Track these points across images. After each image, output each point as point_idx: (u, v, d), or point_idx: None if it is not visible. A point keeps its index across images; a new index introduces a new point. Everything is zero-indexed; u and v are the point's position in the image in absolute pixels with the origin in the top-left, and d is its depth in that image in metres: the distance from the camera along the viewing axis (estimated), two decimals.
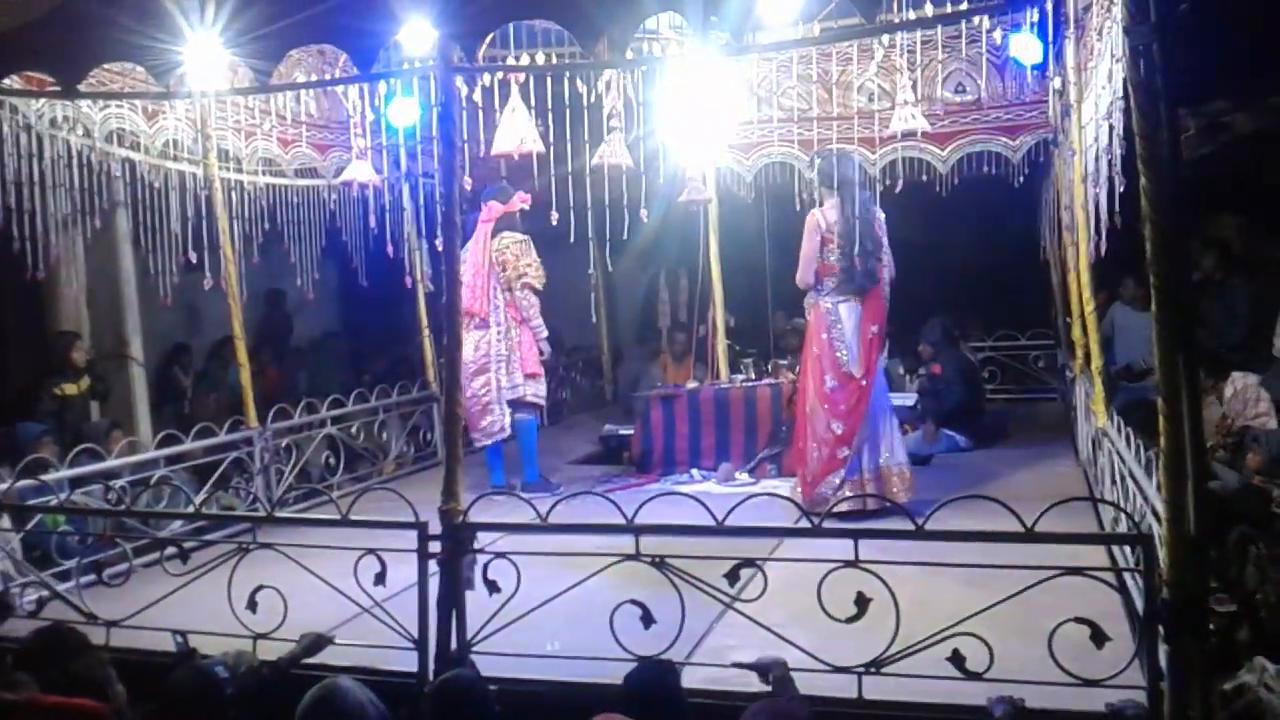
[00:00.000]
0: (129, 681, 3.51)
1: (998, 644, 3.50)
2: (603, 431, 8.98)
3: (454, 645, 4.04)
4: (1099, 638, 3.43)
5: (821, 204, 6.33)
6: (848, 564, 3.71)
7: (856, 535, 3.75)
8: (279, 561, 4.40)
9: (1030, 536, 3.53)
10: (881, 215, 6.34)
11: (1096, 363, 6.32)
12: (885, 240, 6.33)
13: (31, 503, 5.21)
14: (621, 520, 3.97)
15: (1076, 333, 7.24)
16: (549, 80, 5.88)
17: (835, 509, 5.61)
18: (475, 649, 4.05)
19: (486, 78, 5.81)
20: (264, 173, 7.31)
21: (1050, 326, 10.33)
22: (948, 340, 9.01)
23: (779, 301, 10.43)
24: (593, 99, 6.22)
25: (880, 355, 6.37)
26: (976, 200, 8.73)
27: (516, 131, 6.24)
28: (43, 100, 5.63)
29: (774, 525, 4.40)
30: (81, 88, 4.84)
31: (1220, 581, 4.60)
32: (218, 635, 4.17)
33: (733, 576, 3.83)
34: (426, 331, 8.65)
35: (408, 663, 4.04)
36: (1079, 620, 3.46)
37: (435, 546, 4.11)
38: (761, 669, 3.60)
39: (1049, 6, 5.71)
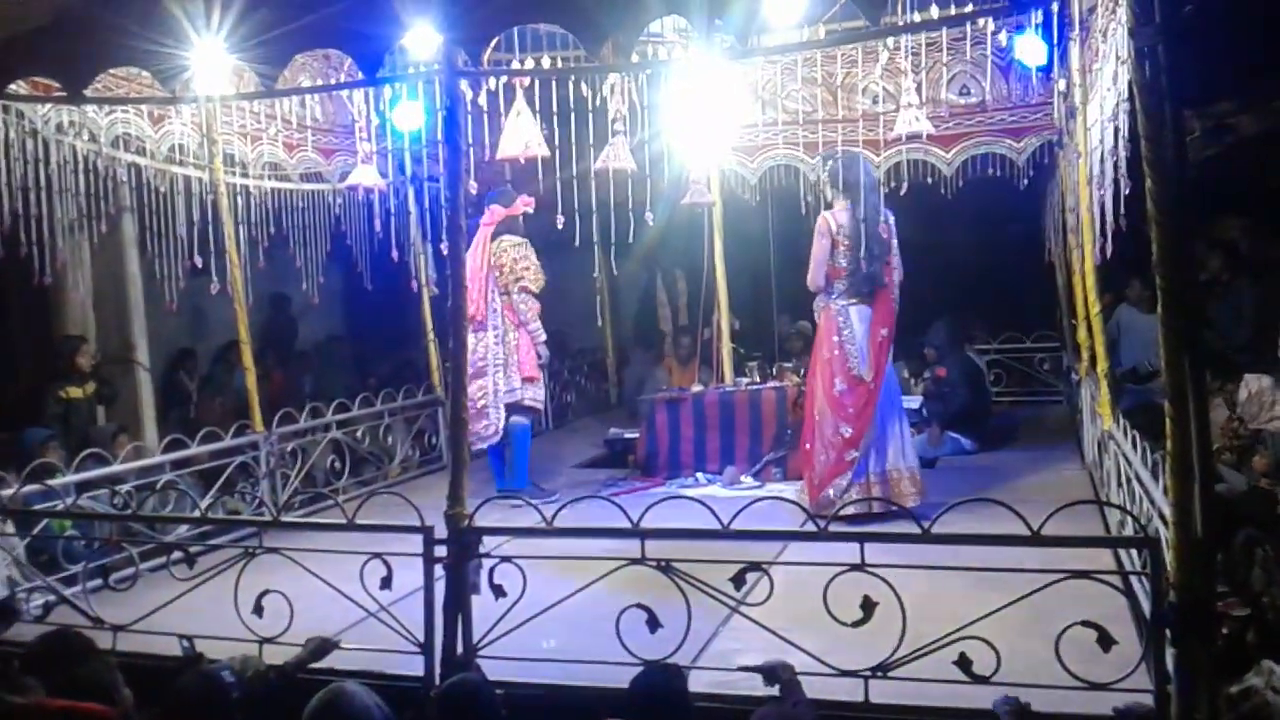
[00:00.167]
0: (135, 686, 3.51)
1: (1005, 647, 3.50)
2: (607, 435, 8.98)
3: (460, 649, 4.04)
4: (1106, 641, 3.43)
5: (831, 206, 6.32)
6: (854, 567, 3.70)
7: (863, 539, 3.75)
8: (285, 566, 4.40)
9: (1037, 540, 3.52)
10: (891, 218, 6.33)
11: (1102, 365, 6.31)
12: (895, 243, 6.32)
13: (38, 507, 5.21)
14: (627, 524, 3.97)
15: (1082, 335, 7.22)
16: (554, 84, 5.88)
17: (841, 512, 5.61)
18: (481, 653, 4.05)
19: (491, 81, 5.81)
20: (269, 177, 7.32)
21: (1055, 329, 10.31)
22: (953, 343, 8.99)
23: (784, 305, 10.41)
24: (597, 102, 6.22)
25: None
26: (981, 202, 8.72)
27: (521, 135, 6.24)
28: (49, 105, 5.64)
29: (780, 529, 4.40)
30: (87, 93, 4.87)
31: (1231, 585, 4.58)
32: (224, 640, 4.17)
33: (738, 580, 3.82)
34: (431, 335, 8.66)
35: (414, 667, 4.04)
36: (1086, 624, 3.46)
37: (441, 551, 4.11)
38: (768, 673, 3.59)
39: (1054, 8, 5.70)
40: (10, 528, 5.12)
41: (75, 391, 7.92)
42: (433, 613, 4.06)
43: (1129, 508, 4.41)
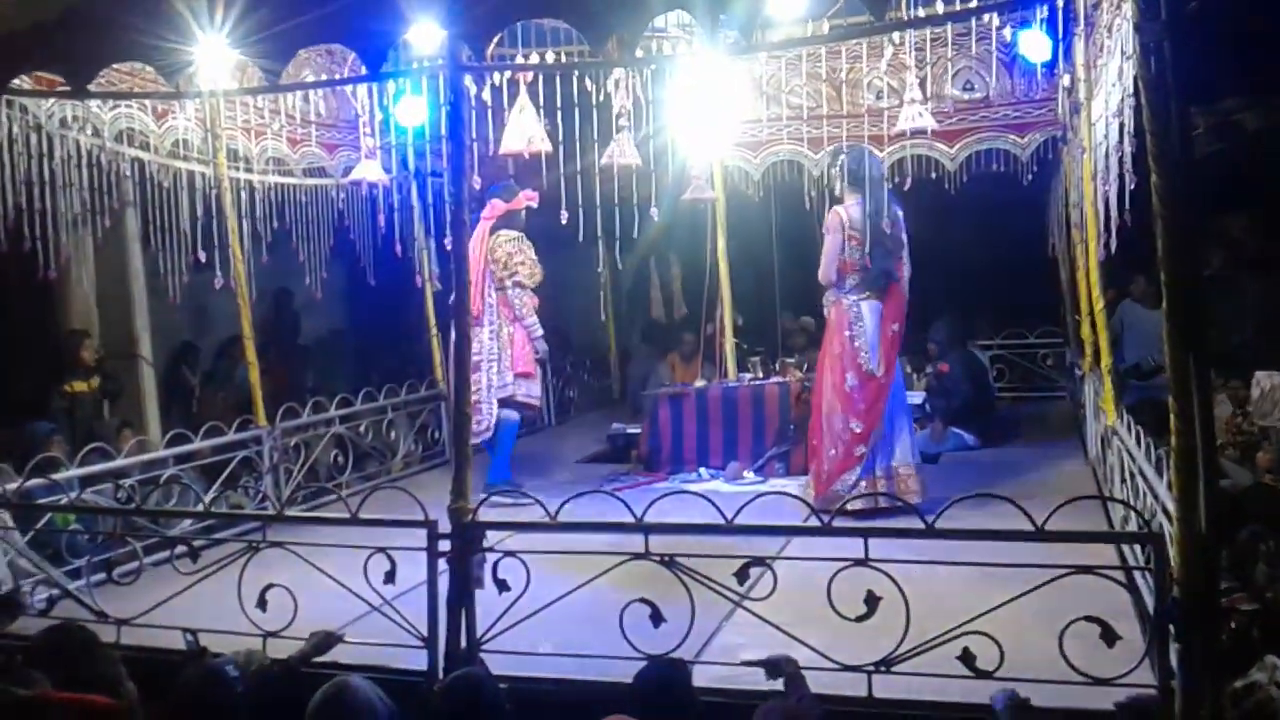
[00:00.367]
0: (139, 680, 3.51)
1: (1008, 642, 3.50)
2: (610, 430, 8.98)
3: (464, 643, 4.04)
4: (1109, 636, 3.42)
5: (842, 200, 6.31)
6: (857, 562, 3.71)
7: (866, 534, 3.75)
8: (289, 560, 4.41)
9: (1041, 535, 3.53)
10: (900, 213, 6.33)
11: (1106, 361, 6.31)
12: (904, 238, 6.32)
13: (42, 501, 5.22)
14: (631, 519, 3.97)
15: (1086, 331, 7.22)
16: (557, 79, 5.88)
17: (848, 507, 5.61)
18: (485, 647, 4.05)
19: (495, 76, 5.81)
20: (273, 172, 7.32)
21: (1059, 324, 10.31)
22: (955, 338, 9.00)
23: (786, 300, 10.41)
24: (601, 98, 6.21)
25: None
26: (984, 198, 8.71)
27: (524, 131, 6.24)
28: (53, 100, 5.64)
29: (784, 524, 4.40)
30: (91, 88, 4.85)
31: (1238, 580, 4.58)
32: (228, 634, 4.18)
33: (742, 575, 3.83)
34: (434, 330, 8.66)
35: (418, 661, 4.05)
36: (1089, 619, 3.46)
37: (445, 545, 4.11)
38: (771, 667, 3.59)
39: (1058, 3, 5.69)
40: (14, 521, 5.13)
41: (79, 386, 7.94)
42: (436, 607, 4.06)
43: (1132, 503, 4.41)
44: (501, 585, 4.03)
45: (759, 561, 3.85)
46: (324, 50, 6.69)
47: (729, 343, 8.76)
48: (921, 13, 5.43)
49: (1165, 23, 3.18)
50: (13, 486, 5.10)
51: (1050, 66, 6.96)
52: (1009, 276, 10.76)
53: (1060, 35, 6.36)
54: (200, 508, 5.02)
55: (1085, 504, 4.56)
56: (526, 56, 6.47)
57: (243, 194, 6.93)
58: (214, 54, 4.54)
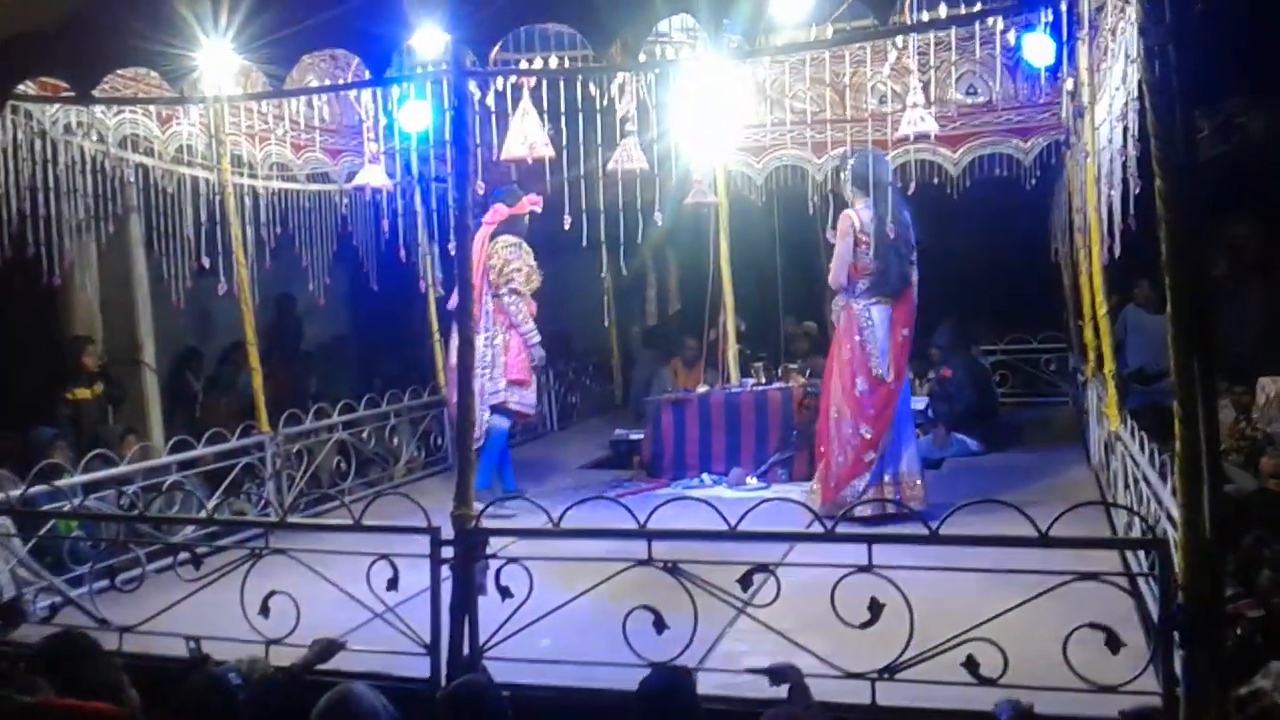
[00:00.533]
0: (142, 687, 3.51)
1: (1012, 649, 3.49)
2: (613, 436, 8.97)
3: (467, 651, 4.03)
4: (1114, 643, 3.41)
5: (852, 204, 6.29)
6: (861, 569, 3.69)
7: (870, 540, 3.74)
8: (291, 567, 4.40)
9: (1045, 541, 3.51)
10: (908, 217, 6.32)
11: (1109, 366, 6.30)
12: (913, 242, 6.31)
13: (45, 508, 5.22)
14: (634, 525, 3.96)
15: (1089, 335, 7.21)
16: (561, 84, 5.87)
17: (856, 513, 5.60)
18: (488, 654, 4.05)
19: (499, 81, 5.81)
20: (276, 177, 7.32)
21: (1062, 329, 10.30)
22: (958, 343, 8.98)
23: (789, 305, 10.41)
24: (605, 102, 6.21)
25: None
26: (987, 203, 8.70)
27: (526, 136, 6.23)
28: (57, 106, 5.64)
29: (787, 530, 4.39)
30: (95, 93, 4.86)
31: (1243, 586, 4.57)
32: (230, 641, 4.17)
33: (745, 581, 3.82)
34: (437, 335, 8.65)
35: (420, 668, 4.04)
36: (1094, 626, 3.45)
37: (448, 551, 4.10)
38: (775, 674, 3.58)
39: (1062, 7, 5.69)
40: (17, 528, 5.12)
41: (83, 393, 7.93)
42: (439, 614, 4.05)
43: (1136, 509, 4.40)
44: (504, 592, 4.03)
45: (762, 568, 3.84)
46: (328, 55, 6.69)
47: (732, 348, 8.75)
48: (925, 16, 5.43)
49: (1170, 26, 3.17)
50: (16, 493, 5.10)
51: (1053, 71, 6.96)
52: (1011, 281, 10.76)
53: (1064, 39, 6.36)
54: (203, 514, 5.00)
55: (1088, 510, 4.55)
56: (530, 61, 6.48)
57: (246, 199, 6.93)
58: (218, 59, 4.54)
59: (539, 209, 7.11)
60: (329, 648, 4.01)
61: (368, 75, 4.65)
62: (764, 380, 8.25)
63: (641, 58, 6.38)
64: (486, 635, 4.06)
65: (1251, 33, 7.40)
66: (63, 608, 4.89)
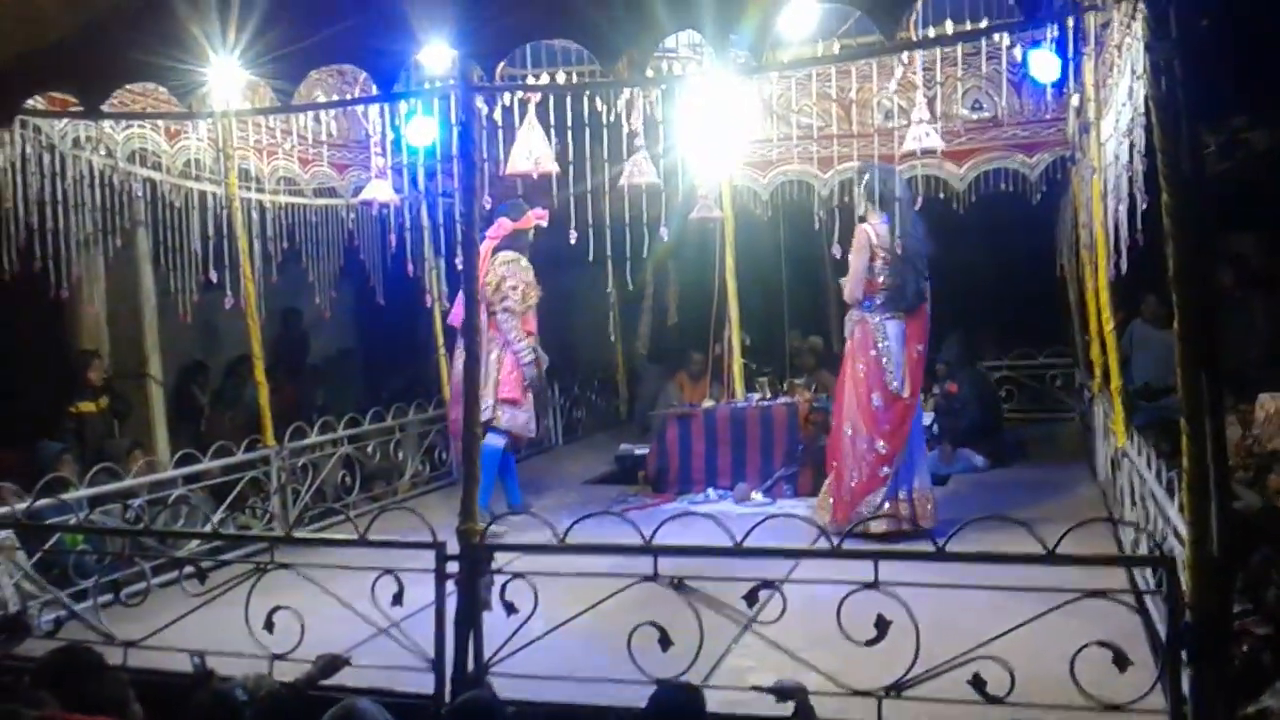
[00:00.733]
0: (146, 702, 3.50)
1: (1019, 667, 3.47)
2: (618, 451, 8.97)
3: (471, 666, 4.02)
4: (1121, 661, 3.40)
5: (866, 219, 6.29)
6: (867, 586, 3.68)
7: (876, 557, 3.73)
8: (296, 581, 4.40)
9: (1052, 559, 3.50)
10: (922, 232, 6.32)
11: (1116, 382, 6.28)
12: (927, 257, 6.31)
13: (50, 521, 5.22)
14: (639, 541, 3.95)
15: (1095, 351, 7.19)
16: (568, 99, 5.89)
17: (871, 529, 5.58)
18: (493, 670, 4.04)
19: (506, 96, 5.82)
20: (283, 192, 7.34)
21: (1067, 345, 10.28)
22: (964, 358, 8.97)
23: (795, 320, 10.41)
24: (612, 117, 6.22)
25: None
26: (993, 218, 8.70)
27: (531, 151, 6.23)
28: (66, 120, 5.66)
29: (794, 546, 4.37)
30: (104, 108, 4.88)
31: (1251, 603, 4.54)
32: (235, 656, 4.16)
33: (751, 598, 3.80)
34: (443, 350, 8.66)
35: (425, 684, 4.03)
36: (1101, 644, 3.43)
37: (453, 567, 4.10)
38: (781, 693, 3.57)
39: (1068, 24, 5.69)
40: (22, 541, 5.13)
41: (87, 406, 7.95)
42: (444, 629, 4.05)
43: (1143, 526, 4.38)
44: (509, 607, 4.02)
45: (768, 584, 3.82)
46: (335, 71, 6.71)
47: (737, 363, 8.74)
48: (931, 33, 5.44)
49: (1175, 42, 3.17)
50: (21, 506, 5.10)
51: (1059, 86, 6.96)
52: (1017, 296, 10.75)
53: (1070, 55, 6.36)
54: (208, 528, 5.00)
55: (1095, 527, 4.53)
56: (538, 76, 6.49)
57: (253, 214, 6.95)
58: (226, 75, 4.56)
59: (544, 223, 7.10)
60: (333, 663, 4.01)
61: (375, 90, 4.66)
62: (769, 395, 8.25)
63: (649, 73, 6.40)
64: (491, 651, 4.05)
65: (1257, 49, 7.41)
66: (67, 621, 4.89)
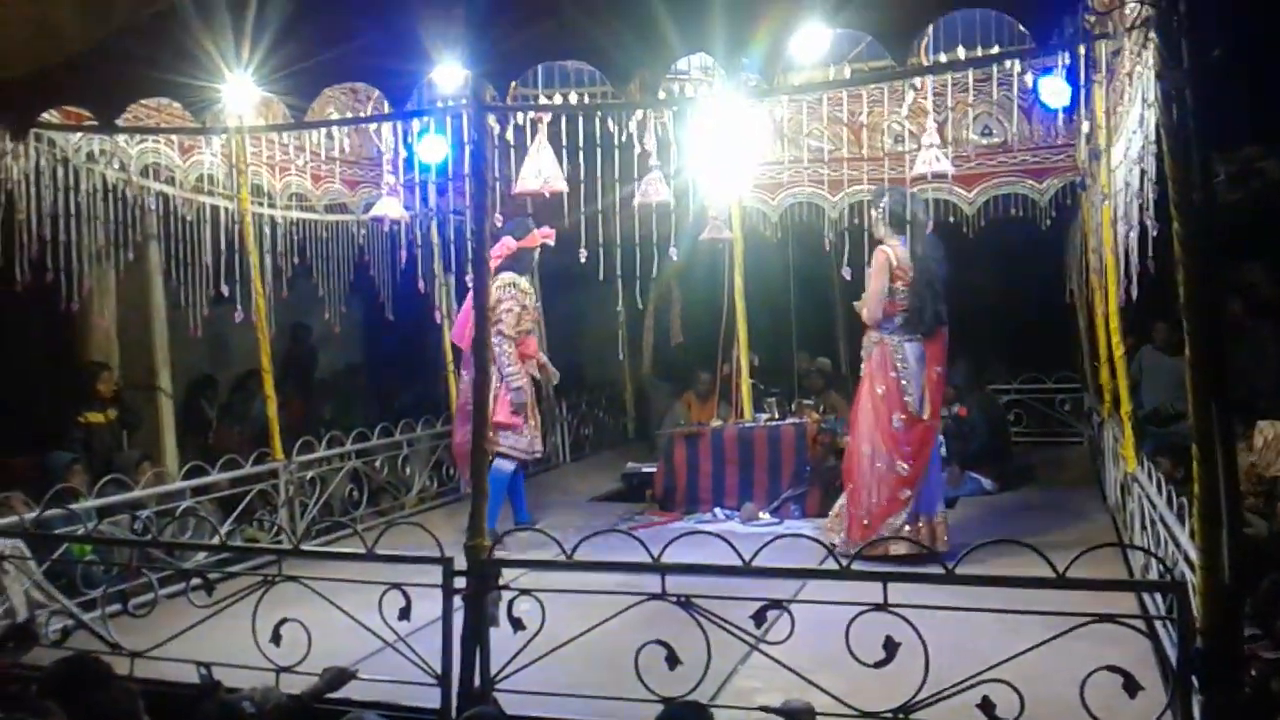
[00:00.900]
0: (153, 713, 3.50)
1: (1028, 691, 3.46)
2: (625, 469, 8.96)
3: (478, 682, 4.02)
4: (1132, 686, 3.38)
5: (884, 241, 6.30)
6: (876, 607, 3.67)
7: (886, 578, 3.72)
8: (303, 595, 4.40)
9: (1062, 583, 3.49)
10: (940, 255, 6.33)
11: (1126, 407, 6.27)
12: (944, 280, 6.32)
13: (59, 531, 5.23)
14: (648, 559, 3.95)
15: (1105, 377, 7.19)
16: (580, 118, 5.92)
17: (891, 552, 5.55)
18: (499, 686, 4.03)
19: (518, 116, 5.86)
20: (295, 208, 7.38)
21: (1076, 370, 10.27)
22: (973, 381, 8.96)
23: (803, 341, 10.41)
24: (623, 138, 6.25)
25: None
26: (1002, 243, 8.71)
27: (540, 170, 6.26)
28: (80, 134, 5.71)
29: (803, 567, 4.37)
30: (119, 123, 4.92)
31: (1261, 629, 4.53)
32: (241, 668, 4.16)
33: (759, 618, 3.80)
34: (451, 367, 8.67)
35: (431, 699, 4.02)
36: (1111, 668, 3.42)
37: (460, 582, 4.10)
38: (789, 713, 3.55)
39: (1080, 51, 5.72)
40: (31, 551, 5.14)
41: (96, 417, 7.97)
42: (451, 644, 4.04)
43: (1154, 551, 4.37)
44: (516, 624, 4.02)
45: (776, 604, 3.81)
46: (348, 89, 6.76)
47: (745, 383, 8.75)
48: (942, 58, 5.47)
49: (1187, 71, 3.19)
50: (31, 516, 5.11)
51: (1069, 112, 6.98)
52: (1026, 321, 10.75)
53: (1080, 82, 6.39)
54: (216, 540, 5.01)
55: (1104, 551, 4.51)
56: (550, 96, 6.53)
57: (265, 229, 6.99)
58: (240, 91, 4.60)
59: (551, 242, 7.10)
60: (340, 676, 4.01)
61: (388, 108, 4.69)
62: (777, 415, 8.24)
63: (660, 95, 6.44)
64: (498, 667, 4.04)
65: (1270, 79, 7.43)
66: (74, 631, 4.90)
